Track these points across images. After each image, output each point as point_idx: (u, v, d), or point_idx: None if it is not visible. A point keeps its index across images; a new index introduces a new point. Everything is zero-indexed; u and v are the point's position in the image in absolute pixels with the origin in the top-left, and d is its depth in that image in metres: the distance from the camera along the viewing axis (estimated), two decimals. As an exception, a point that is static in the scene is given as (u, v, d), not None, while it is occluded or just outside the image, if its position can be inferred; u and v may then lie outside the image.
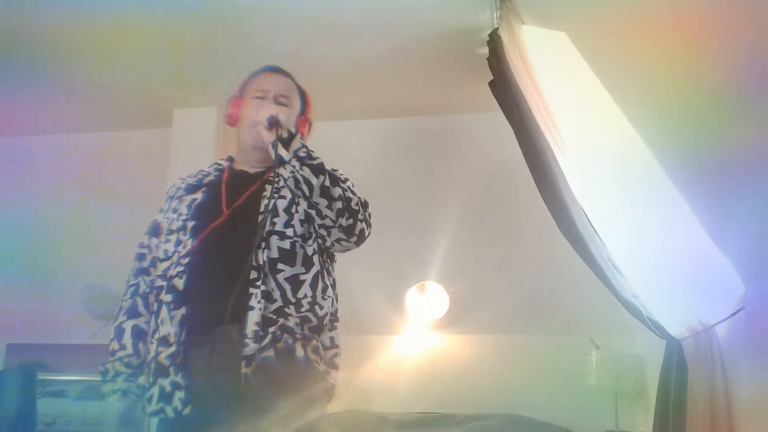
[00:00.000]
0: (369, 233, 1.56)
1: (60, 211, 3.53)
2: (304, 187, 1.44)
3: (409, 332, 3.23)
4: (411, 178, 3.30)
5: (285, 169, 1.47)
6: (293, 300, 1.45)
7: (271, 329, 1.40)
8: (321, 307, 1.50)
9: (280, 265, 1.46)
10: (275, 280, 1.44)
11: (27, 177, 3.63)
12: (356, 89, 3.05)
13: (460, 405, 2.98)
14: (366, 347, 3.17)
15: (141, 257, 1.61)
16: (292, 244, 1.49)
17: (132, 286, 1.57)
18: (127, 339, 1.50)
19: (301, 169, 1.45)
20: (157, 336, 1.43)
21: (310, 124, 1.70)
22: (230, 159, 1.69)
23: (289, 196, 1.51)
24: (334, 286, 1.63)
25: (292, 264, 1.47)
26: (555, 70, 2.17)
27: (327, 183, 1.46)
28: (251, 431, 1.34)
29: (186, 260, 1.46)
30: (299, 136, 1.52)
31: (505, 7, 2.19)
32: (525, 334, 3.07)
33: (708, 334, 1.91)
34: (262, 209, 1.51)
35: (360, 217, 1.50)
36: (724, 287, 1.88)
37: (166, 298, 1.44)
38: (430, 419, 2.95)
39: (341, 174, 1.62)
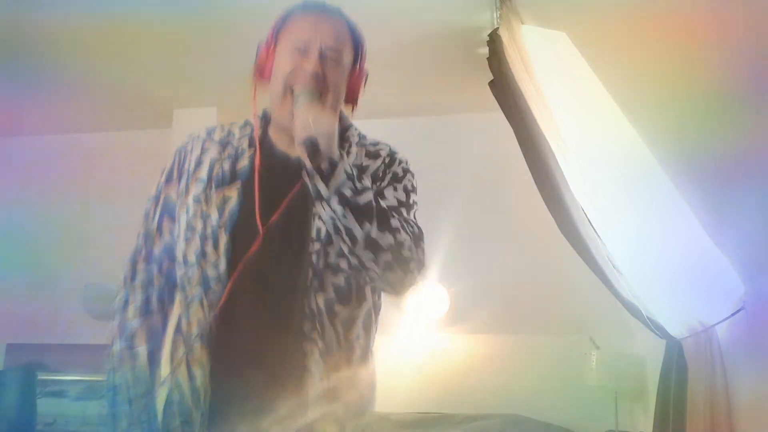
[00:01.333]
0: (421, 275, 1.21)
1: (60, 211, 3.52)
2: (346, 238, 1.09)
3: (409, 332, 3.23)
4: (411, 178, 3.30)
5: (323, 209, 1.10)
6: (345, 344, 1.16)
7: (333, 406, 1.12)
8: (370, 350, 1.25)
9: (336, 308, 1.15)
10: (333, 327, 1.15)
11: (27, 177, 3.63)
12: (356, 89, 3.05)
13: (460, 405, 2.98)
14: (366, 347, 3.17)
15: (149, 238, 1.22)
16: (347, 279, 1.17)
17: (140, 273, 1.21)
18: (141, 343, 1.17)
19: (343, 216, 1.09)
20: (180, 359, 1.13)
21: (366, 77, 1.30)
22: (264, 117, 1.27)
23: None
24: (379, 309, 1.34)
25: (347, 303, 1.17)
26: (555, 70, 2.17)
27: (374, 233, 1.10)
28: (251, 431, 1.15)
29: (218, 287, 1.13)
30: (345, 163, 1.11)
31: (505, 7, 2.19)
32: (525, 334, 3.07)
33: (708, 334, 1.91)
34: (314, 234, 1.15)
35: (412, 266, 1.15)
36: (724, 287, 1.88)
37: (190, 325, 1.13)
38: (430, 419, 2.95)
39: (401, 165, 1.29)
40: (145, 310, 1.19)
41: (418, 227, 1.21)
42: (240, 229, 1.15)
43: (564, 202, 1.98)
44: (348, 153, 1.23)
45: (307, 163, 1.08)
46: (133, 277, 1.20)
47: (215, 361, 1.11)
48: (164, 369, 1.15)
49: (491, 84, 2.27)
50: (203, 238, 1.15)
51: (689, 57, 1.68)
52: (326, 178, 1.08)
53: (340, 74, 1.22)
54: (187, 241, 1.17)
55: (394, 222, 1.13)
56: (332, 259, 1.15)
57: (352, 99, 1.28)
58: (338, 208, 1.08)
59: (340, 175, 1.09)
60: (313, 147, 1.07)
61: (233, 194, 1.18)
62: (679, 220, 1.93)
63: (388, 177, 1.26)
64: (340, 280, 1.16)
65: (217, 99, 3.21)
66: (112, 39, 2.68)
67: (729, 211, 1.82)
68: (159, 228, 1.21)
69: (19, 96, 3.17)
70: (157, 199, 1.24)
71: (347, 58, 1.24)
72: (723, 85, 1.61)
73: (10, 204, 3.47)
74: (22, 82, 3.02)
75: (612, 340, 2.84)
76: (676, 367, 2.01)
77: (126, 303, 1.19)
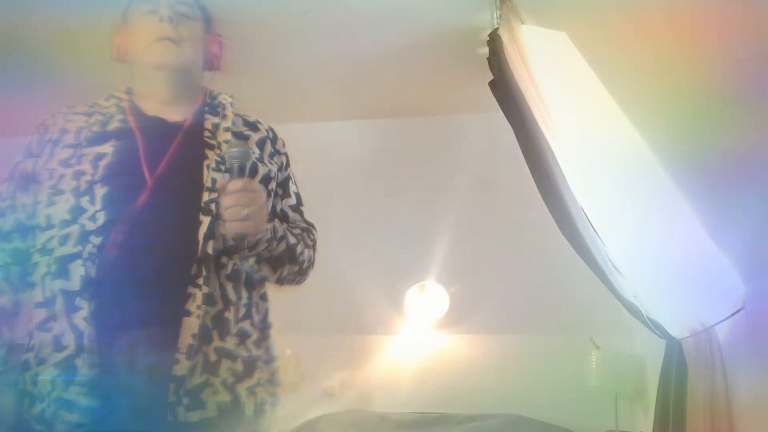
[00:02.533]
0: (314, 261, 1.36)
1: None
2: (257, 278, 1.24)
3: (409, 332, 3.23)
4: (410, 178, 3.31)
5: (240, 262, 1.19)
6: (233, 300, 1.18)
7: (207, 349, 1.11)
8: (258, 311, 1.25)
9: (223, 259, 1.17)
10: (218, 277, 1.16)
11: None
12: (356, 89, 3.05)
13: (460, 405, 2.98)
14: (366, 347, 3.17)
15: (1, 215, 1.22)
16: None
17: None
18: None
19: (260, 268, 1.23)
20: (46, 330, 1.12)
21: (221, 43, 1.36)
22: (129, 92, 1.34)
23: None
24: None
25: (233, 257, 1.19)
26: (555, 70, 2.17)
27: (285, 272, 1.26)
28: (251, 431, 1.20)
29: (98, 241, 1.11)
30: (267, 231, 1.18)
31: (505, 7, 2.19)
32: (525, 334, 3.08)
33: (708, 334, 1.91)
34: (209, 184, 1.17)
35: (305, 266, 1.32)
36: (724, 287, 1.88)
37: (62, 284, 1.11)
38: (430, 419, 2.95)
39: (277, 139, 1.34)
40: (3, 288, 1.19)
41: (308, 223, 1.35)
42: (120, 183, 1.16)
43: (564, 202, 1.98)
44: (224, 117, 1.26)
45: (228, 234, 1.14)
46: None
47: (98, 311, 1.10)
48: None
49: (491, 84, 2.27)
50: (77, 194, 1.15)
51: (690, 57, 1.68)
52: (250, 248, 1.16)
53: (194, 40, 1.27)
54: (53, 204, 1.16)
55: (299, 248, 1.25)
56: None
57: (213, 65, 1.34)
58: (256, 265, 1.21)
59: (261, 246, 1.18)
60: (241, 240, 1.14)
61: (108, 150, 1.20)
62: (679, 220, 1.93)
63: (276, 155, 1.32)
64: None
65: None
66: (111, 39, 2.67)
67: (729, 211, 1.82)
68: (12, 205, 1.22)
69: (18, 96, 3.16)
70: (11, 177, 1.26)
71: (198, 22, 1.31)
72: (723, 85, 1.61)
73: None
74: (22, 82, 3.02)
75: (612, 340, 2.85)
76: (676, 367, 2.01)
77: None
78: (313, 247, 1.35)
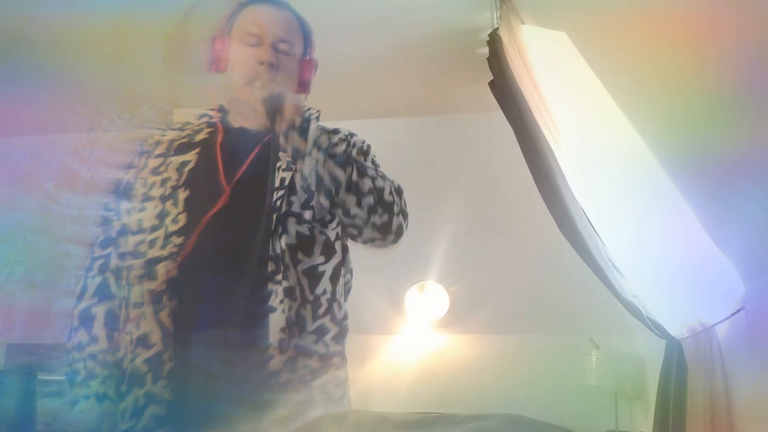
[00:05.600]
0: (407, 225, 1.30)
1: (60, 210, 3.52)
2: (329, 185, 1.17)
3: (409, 332, 3.23)
4: (411, 178, 3.29)
5: (304, 163, 1.17)
6: (311, 298, 1.20)
7: (288, 349, 1.13)
8: (340, 307, 1.27)
9: (299, 255, 1.19)
10: (296, 273, 1.18)
11: (27, 177, 3.62)
12: (356, 89, 3.05)
13: (460, 405, 2.97)
14: (366, 347, 3.17)
15: (108, 223, 1.26)
16: (311, 229, 1.22)
17: (99, 258, 1.23)
18: (100, 328, 1.18)
19: (324, 163, 1.17)
20: (131, 332, 1.14)
21: (316, 66, 1.40)
22: (222, 110, 1.37)
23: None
24: (351, 274, 1.38)
25: (310, 253, 1.21)
26: (555, 70, 2.17)
27: (354, 177, 1.18)
28: (251, 431, 1.18)
29: (179, 241, 1.16)
30: (317, 119, 1.22)
31: (505, 7, 2.19)
32: (525, 334, 3.07)
33: (708, 334, 1.91)
34: (277, 183, 1.20)
35: (396, 209, 1.24)
36: (724, 287, 1.88)
37: (149, 285, 1.15)
38: (430, 419, 2.94)
39: (364, 143, 1.38)
40: (104, 294, 1.21)
41: (398, 184, 1.30)
42: (201, 190, 1.21)
43: (564, 202, 1.98)
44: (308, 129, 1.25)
45: (274, 125, 1.15)
46: (90, 265, 1.24)
47: (179, 311, 1.13)
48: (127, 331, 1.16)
49: (491, 84, 2.27)
50: (163, 199, 1.20)
51: (690, 57, 1.68)
52: (303, 134, 1.16)
53: (291, 64, 1.29)
54: (143, 210, 1.21)
55: (371, 171, 1.23)
56: (296, 207, 1.21)
57: (303, 88, 1.37)
58: (319, 155, 1.16)
59: (314, 129, 1.18)
60: (277, 102, 1.15)
61: (191, 158, 1.25)
62: (680, 220, 1.93)
63: (353, 150, 1.36)
64: (304, 228, 1.20)
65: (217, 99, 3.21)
66: (112, 39, 2.68)
67: (729, 211, 1.82)
68: (118, 212, 1.25)
69: (18, 96, 3.16)
70: (118, 187, 1.28)
71: (297, 48, 1.34)
72: (723, 85, 1.61)
73: (9, 204, 3.47)
74: (22, 82, 3.02)
75: (612, 340, 2.85)
76: (676, 367, 2.01)
77: (85, 288, 1.22)
78: (403, 200, 1.30)
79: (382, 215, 1.21)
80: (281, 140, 1.18)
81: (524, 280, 3.07)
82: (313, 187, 1.19)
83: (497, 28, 2.19)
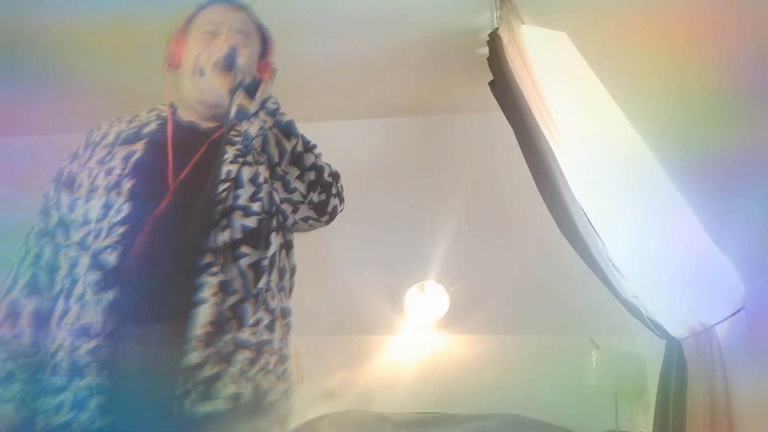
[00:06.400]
0: (342, 209, 1.32)
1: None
2: (274, 151, 1.17)
3: (409, 332, 3.23)
4: (410, 178, 3.31)
5: (251, 124, 1.17)
6: (254, 291, 1.16)
7: (220, 342, 1.10)
8: (273, 297, 1.22)
9: (243, 249, 1.17)
10: (237, 267, 1.15)
11: (27, 177, 3.63)
12: (356, 89, 3.05)
13: (460, 405, 2.98)
14: (366, 347, 3.17)
15: (45, 214, 1.25)
16: (260, 222, 1.19)
17: (32, 250, 1.22)
18: (26, 324, 1.15)
19: (272, 127, 1.17)
20: (70, 323, 1.11)
21: (274, 71, 1.38)
22: (173, 107, 1.36)
23: (255, 162, 1.21)
24: (293, 272, 1.34)
25: (257, 246, 1.18)
26: (555, 70, 2.17)
27: (299, 147, 1.20)
28: (251, 431, 1.18)
29: (121, 230, 1.14)
30: (265, 82, 1.21)
31: (505, 7, 2.19)
32: (525, 334, 3.08)
33: (708, 334, 1.91)
34: (224, 176, 1.19)
35: (333, 191, 1.26)
36: (724, 287, 1.88)
37: (91, 276, 1.12)
38: (430, 419, 2.95)
39: (307, 138, 1.33)
40: (35, 288, 1.20)
41: (335, 169, 1.31)
42: (146, 182, 1.20)
43: (564, 202, 1.98)
44: (255, 118, 1.26)
45: (228, 83, 1.16)
46: (24, 256, 1.23)
47: (119, 302, 1.12)
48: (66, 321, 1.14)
49: (491, 84, 2.27)
50: (108, 189, 1.19)
51: (689, 57, 1.68)
52: (251, 92, 1.16)
53: (247, 59, 1.28)
54: (89, 200, 1.19)
55: (315, 150, 1.25)
56: (242, 201, 1.18)
57: None
58: (266, 118, 1.17)
59: (264, 89, 1.18)
60: (232, 59, 1.19)
61: (138, 148, 1.24)
62: (679, 220, 1.93)
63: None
64: (251, 221, 1.18)
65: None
66: (111, 39, 2.68)
67: (729, 211, 1.82)
68: (57, 203, 1.24)
69: (18, 96, 3.17)
70: (59, 177, 1.28)
71: (255, 46, 1.34)
72: (723, 84, 1.61)
73: (10, 204, 3.47)
74: (22, 82, 3.02)
75: (612, 340, 2.85)
76: (676, 367, 2.01)
77: (15, 281, 1.21)
78: (340, 185, 1.32)
79: (320, 194, 1.23)
80: (226, 100, 1.18)
81: (524, 280, 3.07)
82: (258, 149, 1.18)
83: (497, 28, 2.19)
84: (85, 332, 1.10)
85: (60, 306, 1.15)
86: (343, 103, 3.14)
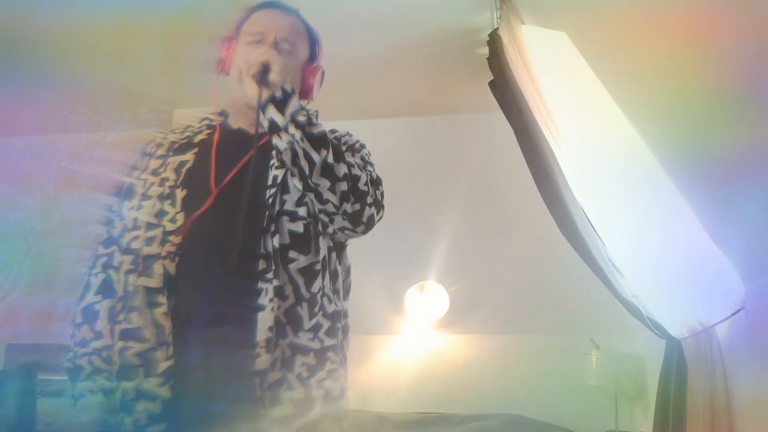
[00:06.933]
0: (381, 216, 1.29)
1: (60, 211, 3.52)
2: (303, 164, 1.16)
3: (409, 332, 3.23)
4: (411, 178, 3.31)
5: (280, 138, 1.17)
6: (307, 296, 1.18)
7: (282, 344, 1.13)
8: (330, 301, 1.24)
9: (291, 253, 1.18)
10: (287, 272, 1.17)
11: (27, 177, 3.63)
12: (356, 89, 3.05)
13: (460, 405, 2.97)
14: (366, 347, 3.17)
15: (110, 223, 1.27)
16: (306, 226, 1.21)
17: (103, 256, 1.23)
18: (104, 325, 1.17)
19: (301, 140, 1.16)
20: (122, 325, 1.15)
21: (323, 74, 1.40)
22: (224, 114, 1.40)
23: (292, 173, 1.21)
24: (347, 274, 1.35)
25: (306, 251, 1.20)
26: (555, 70, 2.17)
27: (330, 159, 1.17)
28: (251, 431, 1.18)
29: (178, 240, 1.17)
30: (296, 95, 1.21)
31: (505, 7, 2.19)
32: (525, 334, 3.07)
33: (708, 334, 1.91)
34: (270, 182, 1.21)
35: (369, 200, 1.23)
36: (724, 287, 1.88)
37: (145, 282, 1.16)
38: (430, 419, 2.95)
39: (355, 141, 1.39)
40: (107, 291, 1.21)
41: (376, 175, 1.31)
42: (196, 190, 1.22)
43: (564, 202, 1.98)
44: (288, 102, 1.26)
45: (260, 93, 1.17)
46: (94, 263, 1.25)
47: (176, 310, 1.15)
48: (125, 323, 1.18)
49: (491, 84, 2.27)
50: (161, 198, 1.22)
51: (689, 57, 1.68)
52: (281, 107, 1.17)
53: (292, 65, 1.30)
54: (141, 207, 1.23)
55: (349, 158, 1.23)
56: (289, 206, 1.20)
57: (305, 94, 1.37)
58: (296, 132, 1.16)
59: (294, 103, 1.19)
60: (265, 71, 1.19)
61: (189, 158, 1.27)
62: (679, 220, 1.93)
63: (343, 146, 1.33)
64: (298, 226, 1.20)
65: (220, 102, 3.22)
66: (111, 39, 2.68)
67: (729, 211, 1.82)
68: (120, 213, 1.27)
69: (18, 96, 3.17)
70: (120, 188, 1.31)
71: (302, 51, 1.35)
72: (723, 85, 1.61)
73: (10, 204, 3.47)
74: (22, 82, 3.03)
75: (612, 340, 2.84)
76: (676, 367, 2.01)
77: (88, 286, 1.23)
78: (379, 192, 1.30)
79: (354, 204, 1.21)
80: (259, 113, 1.19)
81: (524, 280, 3.07)
82: (288, 164, 1.19)
83: (497, 28, 2.19)
84: (134, 335, 1.14)
85: (118, 307, 1.18)
86: (343, 104, 3.14)
